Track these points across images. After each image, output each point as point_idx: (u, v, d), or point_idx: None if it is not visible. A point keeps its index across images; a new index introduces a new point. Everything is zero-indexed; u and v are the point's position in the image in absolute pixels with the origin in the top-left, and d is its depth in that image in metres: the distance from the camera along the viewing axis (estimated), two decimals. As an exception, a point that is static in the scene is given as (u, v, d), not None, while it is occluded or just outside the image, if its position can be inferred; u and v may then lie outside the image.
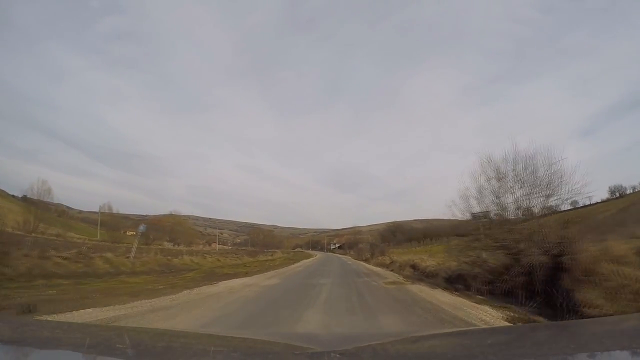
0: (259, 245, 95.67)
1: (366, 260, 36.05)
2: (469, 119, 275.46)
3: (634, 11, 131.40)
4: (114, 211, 53.06)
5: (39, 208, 29.32)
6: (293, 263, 31.17)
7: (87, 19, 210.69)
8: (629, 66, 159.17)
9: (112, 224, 50.69)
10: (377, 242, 60.56)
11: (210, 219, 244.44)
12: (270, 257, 38.15)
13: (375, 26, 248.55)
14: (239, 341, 1.82)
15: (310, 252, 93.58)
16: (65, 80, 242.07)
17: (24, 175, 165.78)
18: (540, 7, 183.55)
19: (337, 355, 1.31)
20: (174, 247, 52.05)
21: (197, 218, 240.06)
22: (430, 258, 19.95)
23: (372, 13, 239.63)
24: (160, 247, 47.57)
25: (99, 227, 52.60)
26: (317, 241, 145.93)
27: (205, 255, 31.16)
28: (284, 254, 51.52)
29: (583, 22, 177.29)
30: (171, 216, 70.30)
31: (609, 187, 50.86)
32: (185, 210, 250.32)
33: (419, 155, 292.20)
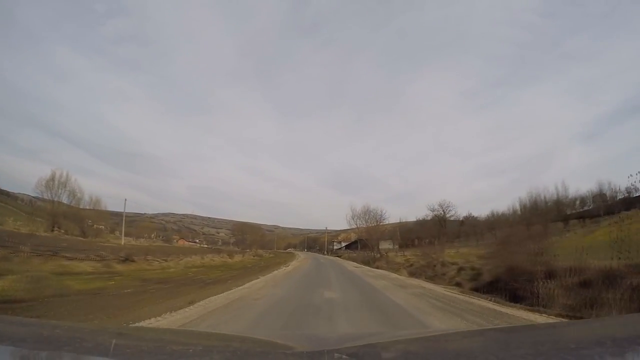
0: (244, 245, 79.95)
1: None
2: (470, 122, 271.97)
3: (635, 15, 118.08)
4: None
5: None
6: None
7: (92, 22, 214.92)
8: (631, 70, 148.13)
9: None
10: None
11: (209, 218, 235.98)
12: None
13: (377, 30, 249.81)
14: (239, 341, 1.82)
15: (299, 253, 69.53)
16: (69, 80, 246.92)
17: (27, 174, 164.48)
18: (541, 12, 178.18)
19: (338, 355, 1.29)
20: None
21: (195, 217, 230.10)
22: None
23: (374, 17, 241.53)
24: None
25: None
26: (314, 240, 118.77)
27: None
28: (235, 260, 28.48)
29: (585, 26, 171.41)
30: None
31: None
32: (184, 209, 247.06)
33: (421, 158, 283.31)
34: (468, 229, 51.08)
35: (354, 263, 35.47)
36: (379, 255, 35.82)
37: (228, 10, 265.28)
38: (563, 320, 5.75)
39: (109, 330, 2.19)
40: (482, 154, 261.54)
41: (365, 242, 41.07)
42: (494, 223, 46.79)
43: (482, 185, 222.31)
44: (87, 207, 48.12)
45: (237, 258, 28.29)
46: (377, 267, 26.78)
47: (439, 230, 41.91)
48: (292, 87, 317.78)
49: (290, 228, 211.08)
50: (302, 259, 40.46)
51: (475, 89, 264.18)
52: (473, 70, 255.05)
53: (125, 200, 46.74)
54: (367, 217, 41.07)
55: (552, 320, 7.36)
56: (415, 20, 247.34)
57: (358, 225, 41.69)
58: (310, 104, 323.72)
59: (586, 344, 1.29)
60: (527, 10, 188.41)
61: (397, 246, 50.69)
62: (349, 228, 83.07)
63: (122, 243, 37.80)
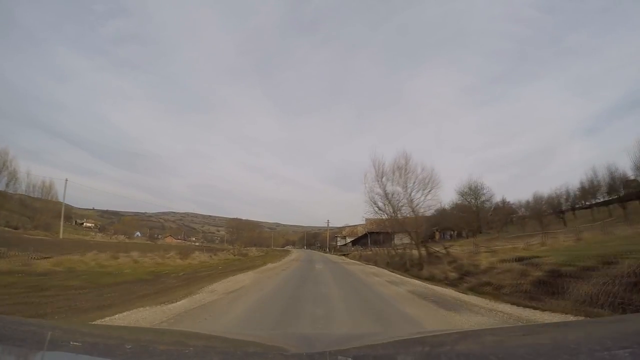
0: (238, 242, 74.04)
1: None
2: (471, 118, 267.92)
3: (634, 11, 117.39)
4: None
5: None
6: None
7: (92, 22, 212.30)
8: (631, 66, 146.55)
9: None
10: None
11: (209, 216, 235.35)
12: None
13: (377, 27, 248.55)
14: (238, 341, 1.81)
15: (294, 251, 62.77)
16: (70, 80, 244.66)
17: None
18: (540, 7, 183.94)
19: (341, 357, 1.32)
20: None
21: (195, 215, 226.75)
22: None
23: (374, 14, 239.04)
24: None
25: None
26: (314, 235, 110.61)
27: None
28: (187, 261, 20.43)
29: (584, 22, 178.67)
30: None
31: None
32: (185, 207, 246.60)
33: (422, 154, 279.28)
34: (502, 218, 41.19)
35: (386, 270, 18.73)
36: (424, 251, 17.91)
37: (228, 9, 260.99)
38: (563, 320, 5.84)
39: (108, 330, 2.20)
40: (482, 149, 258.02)
41: (378, 236, 26.29)
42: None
43: (482, 181, 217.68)
44: (36, 195, 40.35)
45: (200, 258, 20.09)
46: (483, 295, 8.75)
47: (473, 219, 32.68)
48: (293, 85, 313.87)
49: (292, 225, 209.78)
50: (289, 261, 28.76)
51: (476, 85, 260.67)
52: (473, 67, 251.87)
53: (67, 180, 38.66)
54: (405, 178, 18.82)
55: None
56: (415, 17, 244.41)
57: (387, 192, 19.59)
58: (311, 101, 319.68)
59: (586, 344, 1.27)
60: (527, 6, 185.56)
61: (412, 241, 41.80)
62: (358, 223, 69.77)
63: (61, 236, 30.54)
